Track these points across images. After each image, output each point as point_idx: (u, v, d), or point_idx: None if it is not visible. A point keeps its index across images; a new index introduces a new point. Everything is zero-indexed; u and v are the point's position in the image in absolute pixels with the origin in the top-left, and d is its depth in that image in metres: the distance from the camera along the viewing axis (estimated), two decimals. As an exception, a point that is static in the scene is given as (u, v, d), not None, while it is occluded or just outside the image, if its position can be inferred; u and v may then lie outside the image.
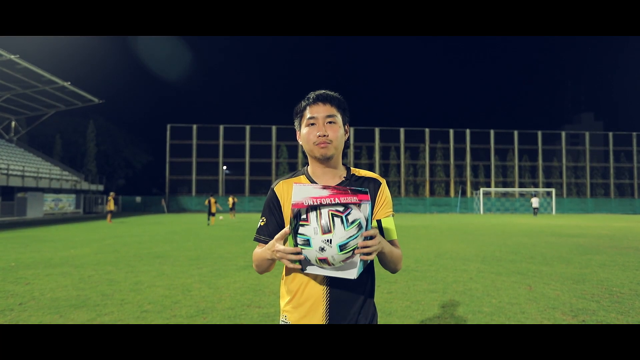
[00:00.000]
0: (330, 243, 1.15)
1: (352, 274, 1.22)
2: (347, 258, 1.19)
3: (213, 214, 19.62)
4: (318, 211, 1.17)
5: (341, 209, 1.16)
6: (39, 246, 10.45)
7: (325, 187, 1.19)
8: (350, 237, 1.15)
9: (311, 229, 1.16)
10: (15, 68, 23.50)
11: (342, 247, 1.16)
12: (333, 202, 1.17)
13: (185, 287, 5.60)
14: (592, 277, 6.32)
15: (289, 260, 1.22)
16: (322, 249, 1.16)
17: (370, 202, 1.19)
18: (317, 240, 1.16)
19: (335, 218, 1.15)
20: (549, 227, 18.33)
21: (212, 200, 19.71)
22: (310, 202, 1.17)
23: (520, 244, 10.96)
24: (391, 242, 1.46)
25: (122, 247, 10.24)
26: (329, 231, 1.15)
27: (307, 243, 1.17)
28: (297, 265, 1.22)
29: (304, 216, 1.18)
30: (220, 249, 9.92)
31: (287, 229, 1.24)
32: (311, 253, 1.19)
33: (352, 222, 1.16)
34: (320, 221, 1.16)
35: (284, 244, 1.26)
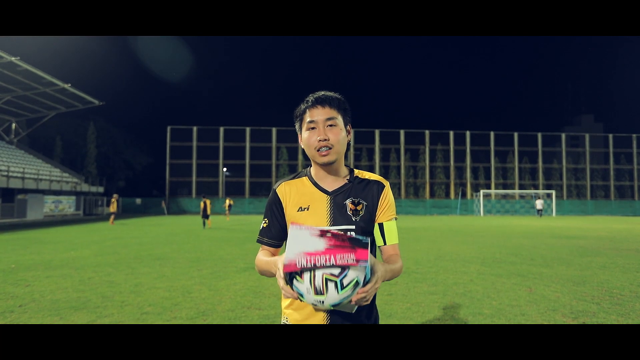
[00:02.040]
0: (322, 303, 1.15)
1: (349, 308, 1.25)
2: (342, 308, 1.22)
3: (208, 216, 18.59)
4: (312, 273, 1.12)
5: (337, 272, 1.11)
6: (39, 248, 10.45)
7: (322, 234, 1.14)
8: (344, 298, 1.14)
9: (304, 287, 1.14)
10: (15, 70, 23.51)
11: (334, 306, 1.16)
12: (328, 262, 1.10)
13: (185, 289, 5.60)
14: (593, 279, 6.32)
15: (284, 293, 1.20)
16: (315, 305, 1.17)
17: (369, 262, 1.14)
18: (310, 298, 1.15)
19: (329, 282, 1.11)
20: (549, 228, 18.31)
21: (208, 202, 18.58)
22: (304, 262, 1.11)
23: (520, 246, 10.95)
24: (392, 246, 1.46)
25: (123, 248, 10.24)
26: (322, 293, 1.12)
27: (301, 296, 1.17)
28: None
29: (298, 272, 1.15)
30: (220, 250, 9.91)
31: (283, 283, 1.19)
32: (305, 301, 1.19)
33: (347, 285, 1.12)
34: (314, 283, 1.12)
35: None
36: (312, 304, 1.17)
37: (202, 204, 18.33)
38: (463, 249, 10.26)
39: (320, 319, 1.39)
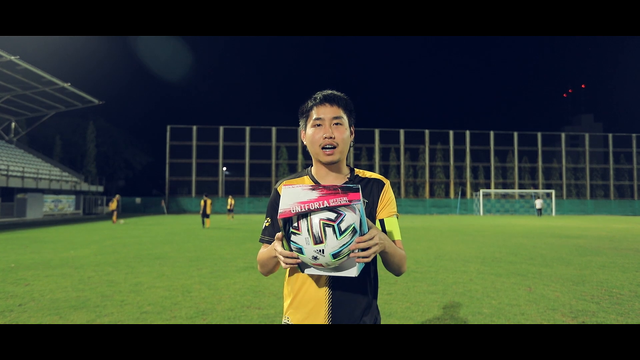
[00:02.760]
0: (323, 253, 1.13)
1: (352, 272, 1.21)
2: (343, 262, 1.18)
3: (208, 216, 18.11)
4: (309, 219, 1.13)
5: (333, 216, 1.12)
6: (39, 247, 10.45)
7: (314, 188, 1.15)
8: (344, 244, 1.13)
9: (302, 239, 1.14)
10: (15, 69, 23.50)
11: (335, 255, 1.14)
12: (322, 206, 1.12)
13: (185, 288, 5.60)
14: (592, 278, 6.32)
15: (285, 263, 1.21)
16: (315, 257, 1.15)
17: (362, 201, 1.15)
18: (310, 249, 1.13)
19: (327, 228, 1.11)
20: (548, 228, 18.32)
21: (209, 201, 18.14)
22: (298, 209, 1.13)
23: (520, 245, 10.95)
24: (394, 243, 1.45)
25: (122, 248, 10.24)
26: (321, 241, 1.12)
27: (300, 251, 1.16)
28: (294, 265, 1.22)
29: (295, 224, 1.15)
30: (220, 250, 9.91)
31: (279, 234, 1.22)
32: (305, 259, 1.17)
33: (345, 230, 1.12)
34: (312, 231, 1.12)
35: (282, 245, 1.26)
36: (312, 259, 1.15)
37: (202, 203, 18.03)
38: (463, 249, 10.26)
39: (322, 318, 1.38)
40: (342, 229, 1.12)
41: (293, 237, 1.16)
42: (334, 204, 1.12)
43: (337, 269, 1.21)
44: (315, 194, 1.14)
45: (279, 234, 1.23)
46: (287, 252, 1.19)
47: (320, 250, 1.13)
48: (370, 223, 1.24)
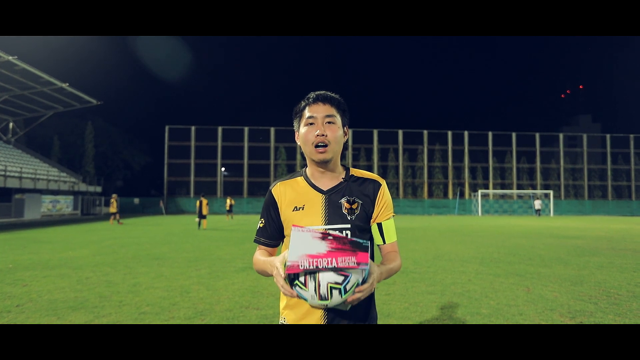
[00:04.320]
0: (326, 307, 1.26)
1: (344, 306, 1.28)
2: None
3: (204, 217, 17.55)
4: (316, 280, 1.16)
5: (340, 279, 1.16)
6: (37, 248, 10.42)
7: (323, 236, 1.17)
8: (345, 299, 1.19)
9: (309, 295, 1.18)
10: (13, 69, 23.44)
11: (337, 306, 1.23)
12: (330, 265, 1.14)
13: (183, 288, 5.59)
14: (590, 278, 6.34)
15: (283, 291, 1.23)
16: (318, 307, 1.26)
17: (368, 265, 1.17)
18: (314, 303, 1.21)
19: (333, 290, 1.16)
20: (547, 228, 18.36)
21: (204, 201, 17.63)
22: (307, 265, 1.15)
23: (518, 246, 10.97)
24: (391, 245, 1.48)
25: (120, 248, 10.22)
26: (326, 299, 1.18)
27: (304, 300, 1.22)
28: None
29: (302, 280, 1.18)
30: (218, 250, 9.90)
31: (282, 282, 1.22)
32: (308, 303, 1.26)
33: (350, 289, 1.17)
34: (319, 291, 1.17)
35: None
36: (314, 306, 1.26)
37: (198, 203, 17.54)
38: (461, 249, 10.27)
39: (317, 318, 1.39)
40: (347, 289, 1.18)
41: (299, 290, 1.20)
42: (342, 265, 1.15)
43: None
44: (324, 247, 1.16)
45: (281, 277, 1.23)
46: (289, 290, 1.21)
47: (324, 305, 1.22)
48: (371, 269, 1.25)
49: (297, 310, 1.42)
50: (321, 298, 1.17)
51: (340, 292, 1.16)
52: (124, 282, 5.97)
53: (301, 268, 1.15)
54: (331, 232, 1.20)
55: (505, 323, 4.08)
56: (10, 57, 21.62)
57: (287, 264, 1.16)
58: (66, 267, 7.35)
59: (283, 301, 1.49)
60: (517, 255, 9.00)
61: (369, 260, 1.19)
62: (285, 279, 1.21)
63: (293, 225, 1.20)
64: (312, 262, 1.14)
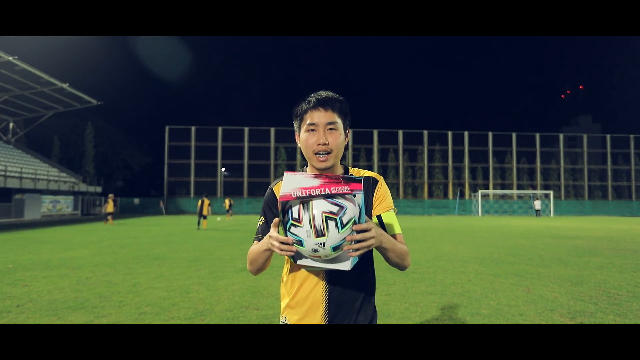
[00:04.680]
0: (324, 246, 1.12)
1: (346, 265, 1.19)
2: (340, 254, 1.18)
3: (205, 217, 17.50)
4: (310, 212, 1.12)
5: (335, 209, 1.11)
6: (37, 248, 10.42)
7: (316, 176, 1.14)
8: (344, 238, 1.12)
9: (304, 231, 1.13)
10: (13, 69, 23.44)
11: (335, 248, 1.14)
12: (323, 192, 1.12)
13: (183, 289, 5.59)
14: (590, 279, 6.34)
15: (280, 250, 1.18)
16: (315, 250, 1.14)
17: (363, 191, 1.15)
18: (310, 242, 1.13)
19: (329, 221, 1.11)
20: (547, 229, 18.36)
21: (207, 201, 17.59)
22: (299, 194, 1.13)
23: (518, 246, 10.97)
24: (394, 237, 1.43)
25: (120, 248, 10.22)
26: (323, 235, 1.11)
27: (300, 243, 1.15)
28: (289, 254, 1.19)
29: (295, 215, 1.14)
30: (218, 250, 9.90)
31: (277, 219, 1.21)
32: (304, 251, 1.16)
33: (347, 223, 1.12)
34: (314, 224, 1.11)
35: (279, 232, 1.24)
36: (311, 252, 1.14)
37: (199, 203, 17.54)
38: (461, 249, 10.27)
39: (318, 318, 1.39)
40: (344, 222, 1.12)
41: (293, 229, 1.15)
42: (335, 192, 1.12)
43: (331, 261, 1.20)
44: (317, 182, 1.14)
45: (276, 220, 1.22)
46: (284, 238, 1.17)
47: (321, 244, 1.12)
48: (368, 218, 1.23)
49: (298, 310, 1.42)
50: (317, 234, 1.11)
51: (336, 224, 1.11)
52: (124, 283, 5.97)
53: (294, 196, 1.13)
54: (325, 174, 1.18)
55: (505, 323, 4.08)
56: (10, 57, 21.63)
57: (280, 195, 1.15)
58: (66, 267, 7.35)
59: (284, 301, 1.49)
60: (517, 256, 9.00)
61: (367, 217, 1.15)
62: (279, 225, 1.18)
63: (286, 172, 1.19)
64: (305, 191, 1.13)
